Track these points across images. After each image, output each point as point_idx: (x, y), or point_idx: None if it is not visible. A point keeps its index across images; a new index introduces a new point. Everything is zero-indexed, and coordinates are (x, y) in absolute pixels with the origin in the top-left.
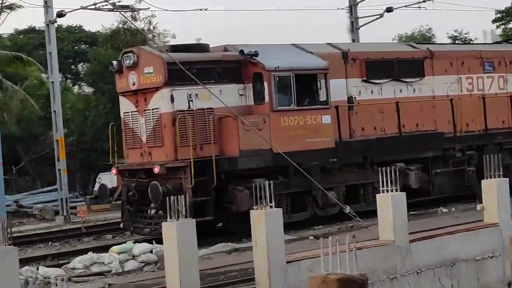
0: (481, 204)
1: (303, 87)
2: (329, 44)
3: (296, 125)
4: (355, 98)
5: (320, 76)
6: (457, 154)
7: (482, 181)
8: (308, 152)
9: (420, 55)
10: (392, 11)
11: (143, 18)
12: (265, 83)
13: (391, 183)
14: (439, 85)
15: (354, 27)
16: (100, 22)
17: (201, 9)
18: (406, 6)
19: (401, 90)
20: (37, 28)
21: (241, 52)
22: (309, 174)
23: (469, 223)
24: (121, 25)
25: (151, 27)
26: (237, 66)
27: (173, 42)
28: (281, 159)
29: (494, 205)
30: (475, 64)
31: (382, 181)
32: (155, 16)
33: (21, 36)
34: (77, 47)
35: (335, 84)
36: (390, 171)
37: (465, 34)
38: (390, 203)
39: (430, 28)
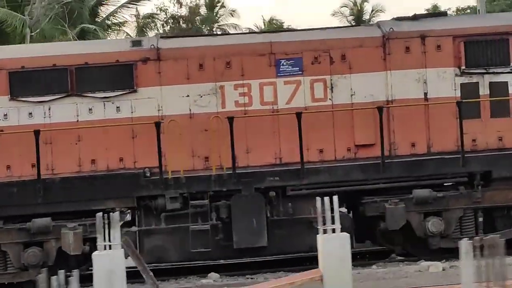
0: None
1: None
2: None
3: None
4: None
5: None
6: (171, 206)
7: None
8: None
9: (132, 57)
10: None
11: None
12: None
13: None
14: (174, 100)
15: None
16: None
17: None
18: None
19: (90, 109)
20: None
21: None
22: None
23: None
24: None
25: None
26: None
27: None
28: None
29: None
30: (257, 64)
31: None
32: None
33: None
34: None
35: None
36: None
37: None
38: None
39: None
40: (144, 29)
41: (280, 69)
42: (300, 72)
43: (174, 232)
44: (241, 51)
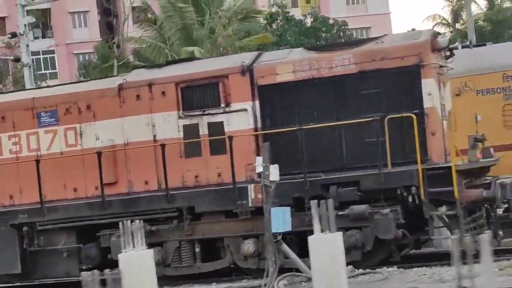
0: None
1: None
2: None
3: None
4: None
5: None
6: None
7: None
8: None
9: None
10: None
11: None
12: None
13: None
14: None
15: None
16: None
17: None
18: None
19: None
20: None
21: None
22: None
23: None
24: None
25: None
26: None
27: None
28: None
29: None
30: (25, 117)
31: None
32: None
33: None
34: None
35: None
36: None
37: None
38: None
39: None
40: (459, 12)
41: (41, 121)
42: (56, 122)
43: None
44: (12, 107)
